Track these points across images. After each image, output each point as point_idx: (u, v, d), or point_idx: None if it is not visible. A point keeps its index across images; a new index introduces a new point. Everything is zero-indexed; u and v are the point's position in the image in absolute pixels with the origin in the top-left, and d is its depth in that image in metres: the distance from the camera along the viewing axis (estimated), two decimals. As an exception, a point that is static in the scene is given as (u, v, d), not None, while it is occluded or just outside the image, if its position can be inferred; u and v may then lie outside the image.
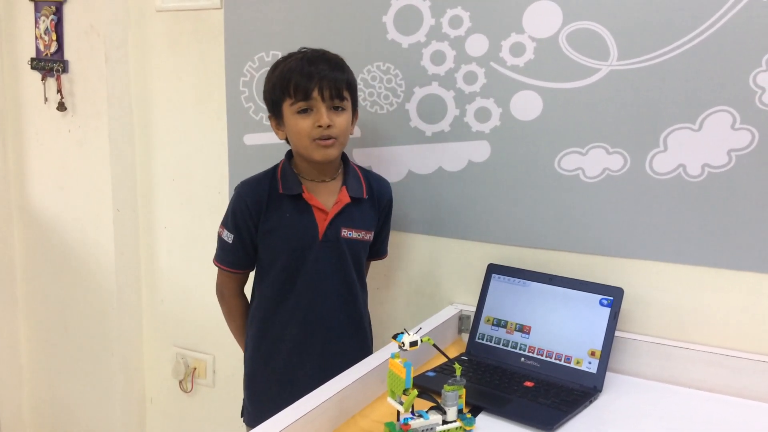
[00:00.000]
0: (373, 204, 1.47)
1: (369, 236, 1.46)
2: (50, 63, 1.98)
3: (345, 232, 1.41)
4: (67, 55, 1.97)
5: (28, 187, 2.15)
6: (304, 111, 1.34)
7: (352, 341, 1.47)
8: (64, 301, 2.15)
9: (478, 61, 1.47)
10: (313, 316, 1.42)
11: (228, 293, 1.52)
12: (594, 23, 1.35)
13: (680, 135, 1.32)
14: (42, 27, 1.98)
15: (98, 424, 2.15)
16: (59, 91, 1.98)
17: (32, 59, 2.02)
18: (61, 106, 1.99)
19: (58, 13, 1.95)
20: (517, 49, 1.43)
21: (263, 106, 1.72)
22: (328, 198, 1.41)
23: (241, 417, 1.56)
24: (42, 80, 2.02)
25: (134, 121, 2.01)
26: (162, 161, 1.99)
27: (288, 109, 1.35)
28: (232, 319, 1.55)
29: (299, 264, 1.40)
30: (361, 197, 1.43)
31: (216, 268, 1.50)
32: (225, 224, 1.45)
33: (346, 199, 1.41)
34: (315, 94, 1.32)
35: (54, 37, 1.97)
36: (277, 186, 1.40)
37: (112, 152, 1.97)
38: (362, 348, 1.49)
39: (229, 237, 1.44)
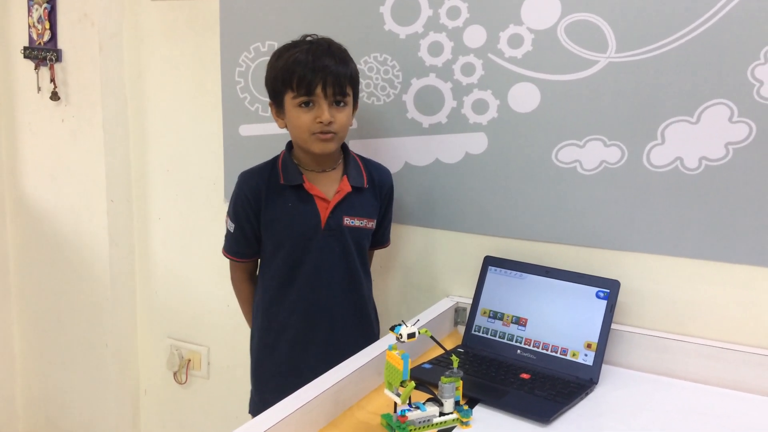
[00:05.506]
0: (375, 193, 1.48)
1: (371, 224, 1.47)
2: (43, 52, 1.96)
3: (347, 221, 1.42)
4: (61, 44, 1.95)
5: (21, 178, 2.13)
6: (305, 104, 1.34)
7: (357, 329, 1.48)
8: (58, 292, 2.13)
9: (475, 52, 1.47)
10: (316, 305, 1.44)
11: (237, 279, 1.56)
12: (593, 15, 1.35)
13: (678, 128, 1.31)
14: (35, 15, 1.96)
15: (92, 416, 2.15)
16: (52, 80, 1.96)
17: (25, 48, 2.00)
18: (55, 96, 1.97)
19: (52, 1, 1.93)
20: (515, 41, 1.42)
21: (259, 96, 1.72)
22: (329, 187, 1.42)
23: (249, 412, 1.56)
24: (35, 69, 2.00)
25: (128, 111, 1.99)
26: (156, 152, 1.97)
27: (290, 101, 1.36)
28: (242, 303, 1.58)
29: (302, 253, 1.42)
30: (362, 186, 1.44)
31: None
32: (229, 214, 1.48)
33: (348, 188, 1.42)
34: (318, 90, 1.33)
35: (47, 26, 1.95)
36: (278, 177, 1.42)
37: (106, 142, 1.95)
38: (367, 335, 1.49)
39: (231, 226, 1.47)
